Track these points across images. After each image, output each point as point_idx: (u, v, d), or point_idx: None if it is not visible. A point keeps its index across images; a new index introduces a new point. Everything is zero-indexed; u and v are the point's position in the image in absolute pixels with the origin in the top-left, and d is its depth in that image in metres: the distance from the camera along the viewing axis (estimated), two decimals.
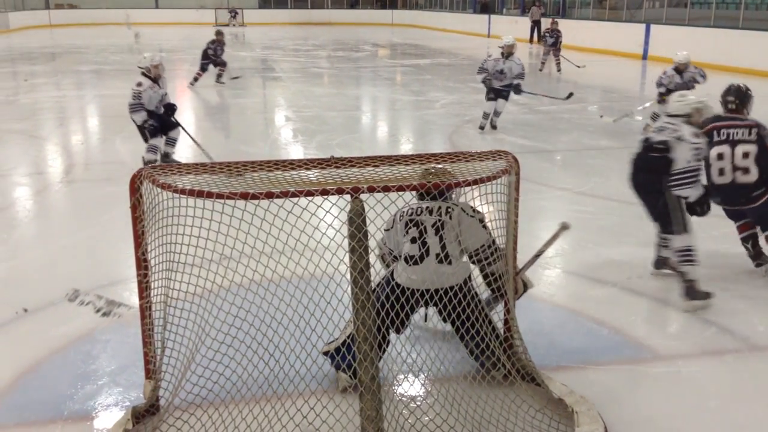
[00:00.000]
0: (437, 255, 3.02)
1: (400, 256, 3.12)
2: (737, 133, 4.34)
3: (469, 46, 25.66)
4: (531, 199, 5.99)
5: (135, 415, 2.85)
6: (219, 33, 13.42)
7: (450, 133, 9.40)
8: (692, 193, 3.93)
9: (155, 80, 7.12)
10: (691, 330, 3.79)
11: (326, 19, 40.96)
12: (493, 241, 3.09)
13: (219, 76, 13.67)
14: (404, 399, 3.08)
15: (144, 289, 2.85)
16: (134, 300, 3.24)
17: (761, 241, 4.44)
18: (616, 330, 3.76)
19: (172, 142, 7.33)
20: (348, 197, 2.50)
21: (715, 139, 4.38)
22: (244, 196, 2.40)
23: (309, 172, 2.94)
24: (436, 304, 3.05)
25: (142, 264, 2.82)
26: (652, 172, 4.07)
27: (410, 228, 3.08)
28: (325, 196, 2.46)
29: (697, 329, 3.78)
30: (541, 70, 16.41)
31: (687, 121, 4.10)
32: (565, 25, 22.26)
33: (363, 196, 2.51)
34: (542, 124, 10.13)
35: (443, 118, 10.57)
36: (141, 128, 7.08)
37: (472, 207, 3.12)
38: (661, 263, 4.44)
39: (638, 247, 5.00)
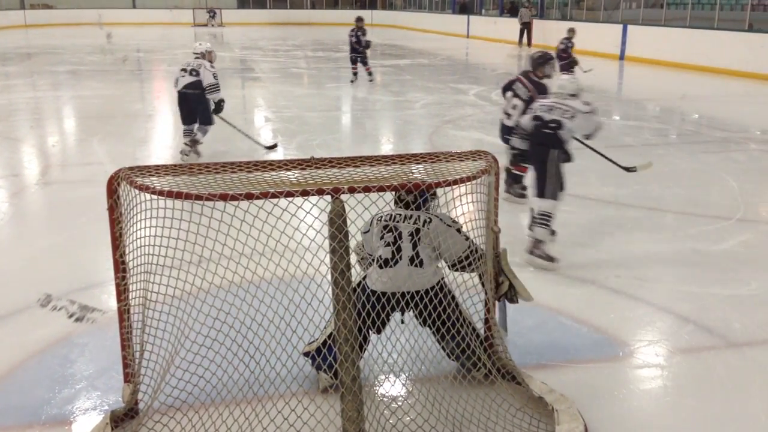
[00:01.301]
0: (410, 258, 3.04)
1: (375, 260, 3.14)
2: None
3: (448, 46, 25.75)
4: (510, 198, 6.02)
5: (114, 419, 2.83)
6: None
7: (430, 134, 9.42)
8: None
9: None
10: (669, 328, 3.83)
11: (305, 19, 40.88)
12: (476, 248, 3.10)
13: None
14: (385, 399, 3.08)
15: (122, 291, 2.82)
16: (112, 303, 3.21)
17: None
18: (595, 328, 3.79)
19: (204, 132, 7.78)
20: (328, 198, 2.50)
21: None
22: (224, 197, 2.39)
23: (289, 173, 2.93)
24: (411, 309, 3.07)
25: (120, 266, 2.79)
26: (543, 146, 4.64)
27: (386, 233, 3.10)
28: (306, 197, 2.45)
29: (675, 327, 3.82)
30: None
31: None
32: (542, 26, 22.50)
33: (343, 197, 2.50)
34: None
35: (423, 119, 10.59)
36: (209, 110, 7.54)
37: (450, 217, 3.13)
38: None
39: (616, 245, 5.05)
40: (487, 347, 3.17)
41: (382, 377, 3.28)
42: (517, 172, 6.02)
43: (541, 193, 4.63)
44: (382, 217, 3.14)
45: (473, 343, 3.05)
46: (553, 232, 4.64)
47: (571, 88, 4.81)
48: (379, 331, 3.13)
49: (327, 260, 2.61)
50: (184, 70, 7.47)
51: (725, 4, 17.73)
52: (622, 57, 19.17)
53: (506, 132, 5.92)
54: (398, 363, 3.31)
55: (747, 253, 4.89)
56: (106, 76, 15.97)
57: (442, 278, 3.12)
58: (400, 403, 3.04)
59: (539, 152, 4.67)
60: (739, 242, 5.11)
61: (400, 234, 3.06)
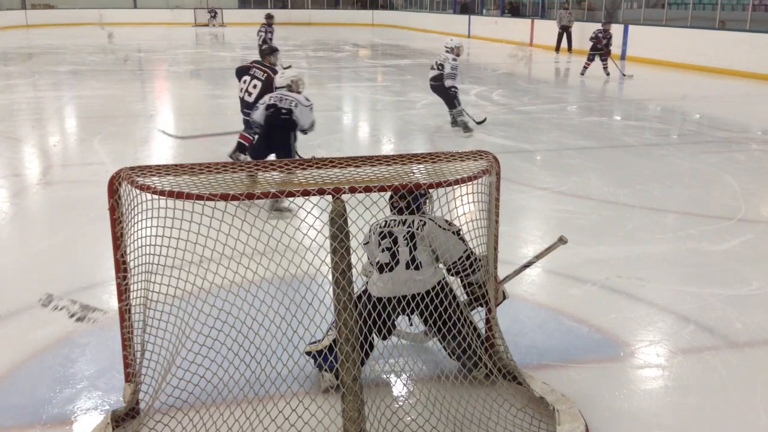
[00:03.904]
0: (407, 262, 3.05)
1: (375, 266, 3.15)
2: None
3: None
4: (512, 199, 6.02)
5: (114, 419, 2.82)
6: None
7: (431, 134, 9.42)
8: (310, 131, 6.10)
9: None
10: (670, 328, 3.83)
11: (306, 19, 40.88)
12: (471, 252, 3.10)
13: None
14: (386, 399, 3.08)
15: (123, 291, 2.82)
16: (113, 303, 3.21)
17: None
18: (596, 328, 3.79)
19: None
20: (329, 198, 2.50)
21: None
22: (225, 197, 2.39)
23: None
24: (413, 311, 3.07)
25: (121, 266, 2.79)
26: (283, 128, 5.78)
27: (382, 240, 3.12)
28: (307, 197, 2.45)
29: (676, 327, 3.82)
30: (582, 74, 15.55)
31: (288, 89, 5.92)
32: (544, 26, 22.46)
33: (344, 197, 2.50)
34: (522, 124, 10.18)
35: (424, 119, 10.58)
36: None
37: (446, 220, 3.14)
38: None
39: (617, 245, 5.05)
40: (488, 347, 3.17)
41: (384, 377, 3.28)
42: (242, 141, 7.20)
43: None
44: (379, 224, 3.15)
45: (474, 343, 3.05)
46: None
47: (287, 83, 5.94)
48: (385, 338, 3.14)
49: (328, 260, 2.61)
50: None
51: (726, 4, 17.71)
52: (623, 57, 19.15)
53: (246, 107, 6.99)
54: (399, 363, 3.31)
55: (748, 253, 4.89)
56: (107, 76, 15.97)
57: (443, 278, 3.11)
58: (401, 404, 3.04)
59: (279, 133, 5.80)
60: (740, 242, 5.11)
61: (395, 239, 3.07)
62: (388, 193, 3.02)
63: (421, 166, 3.02)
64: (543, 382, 3.07)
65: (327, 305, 2.81)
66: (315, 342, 3.17)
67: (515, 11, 29.78)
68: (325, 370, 3.11)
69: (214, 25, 36.87)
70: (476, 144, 8.62)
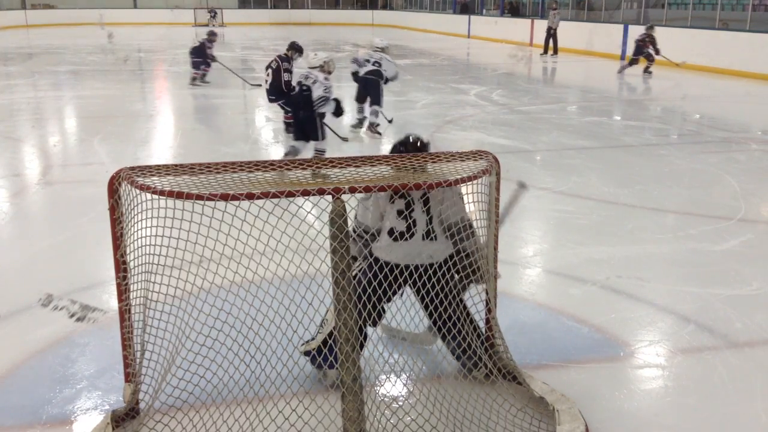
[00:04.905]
0: (423, 234, 3.00)
1: (379, 233, 3.09)
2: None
3: (449, 46, 25.75)
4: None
5: (114, 419, 2.82)
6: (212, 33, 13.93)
7: (431, 134, 9.42)
8: (327, 108, 6.98)
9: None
10: (669, 328, 3.83)
11: (306, 19, 40.88)
12: (469, 219, 3.07)
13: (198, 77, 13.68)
14: (386, 399, 3.08)
15: (123, 291, 2.82)
16: (113, 303, 3.21)
17: None
18: (596, 328, 3.79)
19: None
20: (329, 198, 2.50)
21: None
22: (225, 197, 2.39)
23: (290, 173, 2.93)
24: (415, 282, 3.03)
25: (121, 266, 2.79)
26: (306, 104, 6.80)
27: (396, 198, 3.03)
28: (306, 197, 2.45)
29: (676, 327, 3.82)
30: (620, 72, 15.49)
31: (321, 69, 7.04)
32: (543, 26, 22.45)
33: (344, 197, 2.50)
34: (522, 124, 10.19)
35: (424, 119, 10.58)
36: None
37: None
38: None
39: (618, 245, 5.05)
40: (489, 347, 3.17)
41: (383, 377, 3.28)
42: (286, 121, 8.49)
43: (315, 138, 6.88)
44: None
45: (474, 342, 3.05)
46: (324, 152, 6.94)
47: (318, 63, 7.10)
48: (389, 300, 3.09)
49: (328, 260, 2.61)
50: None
51: (726, 4, 17.72)
52: (623, 57, 19.14)
53: (269, 95, 8.69)
54: (399, 363, 3.31)
55: (748, 253, 4.89)
56: (107, 76, 15.97)
57: (453, 252, 3.08)
58: (400, 403, 3.04)
59: (304, 110, 6.81)
60: (740, 242, 5.11)
61: (412, 200, 3.00)
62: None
63: (421, 165, 3.01)
64: (543, 382, 3.07)
65: (327, 305, 2.81)
66: (308, 341, 3.16)
67: (515, 11, 29.78)
68: (327, 368, 3.11)
69: (213, 25, 36.83)
70: (476, 144, 8.62)
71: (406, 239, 3.01)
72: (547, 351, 3.53)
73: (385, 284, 2.95)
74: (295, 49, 9.04)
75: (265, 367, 2.81)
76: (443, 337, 3.13)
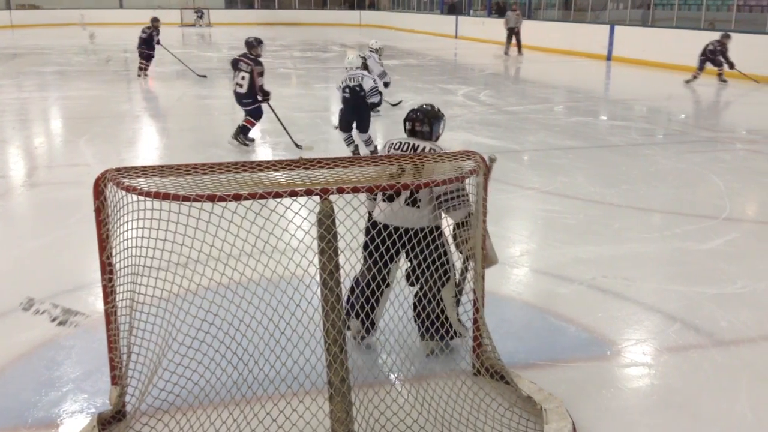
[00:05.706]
0: (405, 198, 3.16)
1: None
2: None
3: (437, 47, 25.78)
4: (499, 198, 6.04)
5: (101, 422, 2.81)
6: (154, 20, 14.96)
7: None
8: (377, 99, 7.68)
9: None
10: (656, 327, 3.85)
11: (294, 19, 40.79)
12: (463, 189, 3.15)
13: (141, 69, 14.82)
14: (374, 400, 3.08)
15: (109, 293, 2.80)
16: (98, 305, 3.19)
17: None
18: (583, 327, 3.80)
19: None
20: (317, 198, 2.49)
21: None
22: (211, 199, 2.38)
23: (277, 174, 2.93)
24: (404, 245, 3.18)
25: (107, 268, 2.77)
26: (358, 101, 7.52)
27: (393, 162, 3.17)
28: (294, 198, 2.44)
29: (662, 326, 3.85)
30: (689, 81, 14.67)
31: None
32: (530, 26, 22.53)
33: (332, 198, 2.50)
34: (509, 124, 10.21)
35: None
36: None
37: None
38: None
39: (604, 245, 5.07)
40: (476, 347, 3.18)
41: (372, 378, 3.27)
42: (246, 125, 8.41)
43: (365, 130, 7.72)
44: (394, 143, 3.32)
45: (446, 312, 3.25)
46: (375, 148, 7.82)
47: (358, 63, 7.77)
48: (386, 265, 3.25)
49: (315, 261, 2.61)
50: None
51: (711, 4, 17.84)
52: (609, 57, 19.26)
53: (240, 99, 8.32)
54: (387, 363, 3.31)
55: (733, 252, 4.93)
56: (93, 76, 15.87)
57: (439, 227, 3.24)
58: (389, 404, 3.04)
59: (361, 107, 7.60)
60: (725, 241, 5.15)
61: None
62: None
63: (409, 166, 3.02)
64: (530, 381, 3.08)
65: (314, 306, 2.81)
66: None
67: (502, 12, 29.80)
68: (356, 315, 3.30)
69: (200, 26, 36.71)
70: (463, 144, 8.63)
71: (391, 198, 3.19)
72: (535, 350, 3.54)
73: (377, 240, 3.14)
74: (258, 43, 8.63)
75: (253, 368, 2.81)
76: (424, 296, 3.27)
